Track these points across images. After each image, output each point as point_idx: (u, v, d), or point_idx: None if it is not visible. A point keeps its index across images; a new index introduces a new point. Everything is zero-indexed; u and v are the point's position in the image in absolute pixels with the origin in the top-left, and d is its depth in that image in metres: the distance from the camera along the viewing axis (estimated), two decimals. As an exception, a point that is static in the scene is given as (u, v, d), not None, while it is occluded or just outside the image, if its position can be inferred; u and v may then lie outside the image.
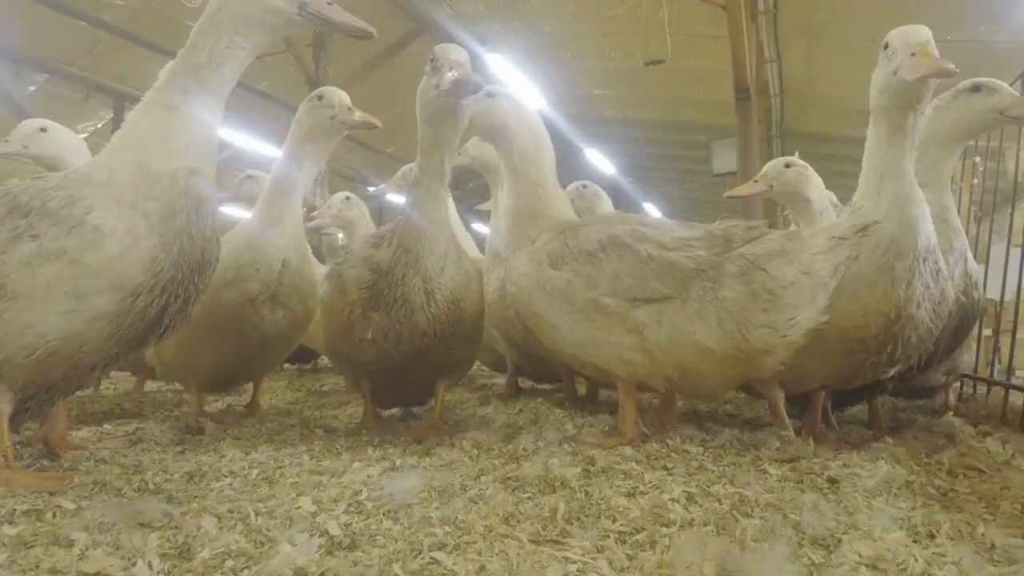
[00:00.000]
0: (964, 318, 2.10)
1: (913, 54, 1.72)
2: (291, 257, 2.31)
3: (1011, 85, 2.59)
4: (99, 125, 13.25)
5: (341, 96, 2.45)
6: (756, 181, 2.63)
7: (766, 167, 2.64)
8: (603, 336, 1.87)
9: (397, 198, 3.62)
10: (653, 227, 1.91)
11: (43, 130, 2.56)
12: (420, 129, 2.02)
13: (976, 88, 2.07)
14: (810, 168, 2.59)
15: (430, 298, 1.98)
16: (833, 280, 1.70)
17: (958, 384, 3.06)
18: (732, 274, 1.74)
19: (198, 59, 1.65)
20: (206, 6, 1.70)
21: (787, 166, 2.58)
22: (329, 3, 1.71)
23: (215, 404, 2.83)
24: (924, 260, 1.79)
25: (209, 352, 2.29)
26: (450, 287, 2.01)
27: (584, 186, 3.64)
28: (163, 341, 1.76)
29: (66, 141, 2.58)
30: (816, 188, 2.57)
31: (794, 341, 1.74)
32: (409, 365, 2.10)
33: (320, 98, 2.42)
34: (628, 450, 1.72)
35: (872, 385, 2.22)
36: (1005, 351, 3.36)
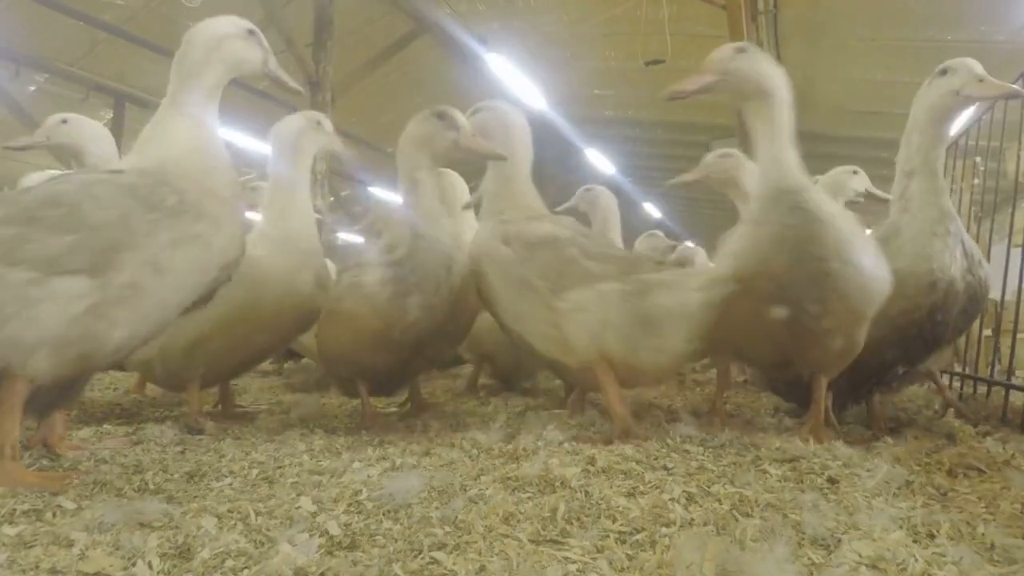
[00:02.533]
0: (971, 297, 2.10)
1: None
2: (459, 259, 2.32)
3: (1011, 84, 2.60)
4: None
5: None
6: (700, 72, 2.33)
7: (714, 54, 2.31)
8: (530, 312, 2.12)
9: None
10: (587, 239, 2.22)
11: (64, 121, 2.60)
12: (417, 155, 2.34)
13: (943, 72, 2.13)
14: (767, 55, 2.29)
15: (449, 272, 2.22)
16: (702, 315, 1.93)
17: (958, 384, 3.06)
18: (630, 294, 1.99)
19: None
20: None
21: (740, 51, 2.27)
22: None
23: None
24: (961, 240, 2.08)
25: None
26: (461, 260, 2.28)
27: (587, 189, 3.77)
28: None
29: (88, 131, 2.63)
30: (781, 80, 2.25)
31: (667, 364, 2.06)
32: (428, 342, 2.29)
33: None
34: (628, 450, 1.72)
35: (875, 380, 2.23)
36: (1005, 351, 3.37)
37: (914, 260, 2.06)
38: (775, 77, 2.19)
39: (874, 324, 2.04)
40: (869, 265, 1.92)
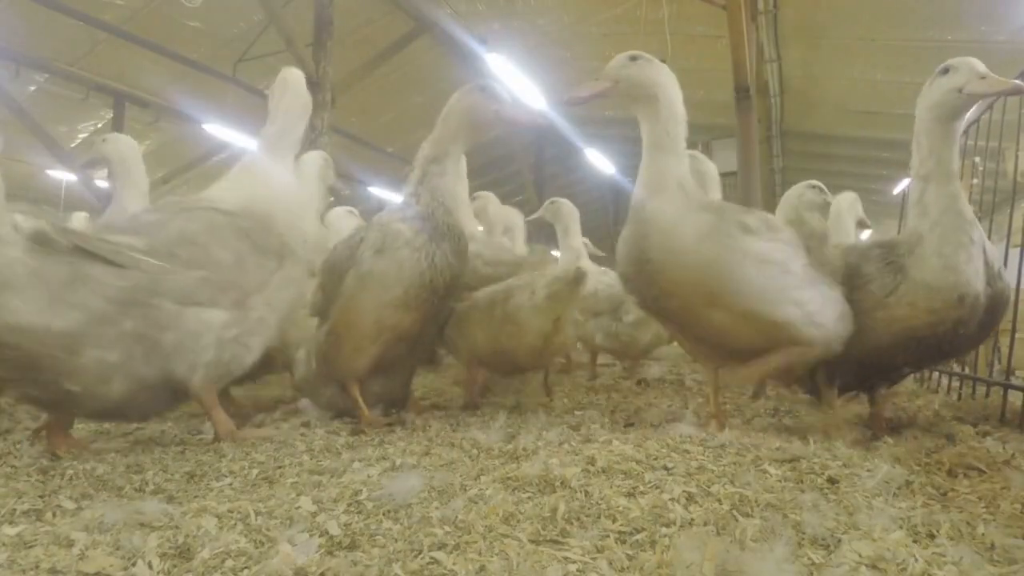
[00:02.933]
0: (990, 308, 2.06)
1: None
2: None
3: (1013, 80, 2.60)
4: (99, 125, 13.25)
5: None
6: (597, 79, 2.39)
7: (610, 63, 2.36)
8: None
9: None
10: (490, 250, 2.73)
11: (104, 140, 3.00)
12: (458, 126, 2.46)
13: (944, 71, 2.12)
14: (659, 63, 2.32)
15: (459, 239, 2.40)
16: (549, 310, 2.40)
17: (958, 383, 3.06)
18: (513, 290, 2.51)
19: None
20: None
21: (632, 59, 2.31)
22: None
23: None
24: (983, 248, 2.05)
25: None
26: (464, 231, 2.48)
27: (552, 202, 4.18)
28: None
29: (124, 147, 2.99)
30: (670, 87, 2.30)
31: (524, 354, 2.51)
32: (433, 315, 2.47)
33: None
34: (628, 450, 1.72)
35: (881, 378, 2.24)
36: (1005, 351, 3.36)
37: (941, 273, 2.00)
38: (665, 85, 2.29)
39: (891, 332, 2.06)
40: (700, 264, 1.99)
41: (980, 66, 2.03)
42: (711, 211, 2.09)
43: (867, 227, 3.69)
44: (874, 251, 2.21)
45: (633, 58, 2.30)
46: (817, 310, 2.00)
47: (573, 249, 4.08)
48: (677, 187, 2.13)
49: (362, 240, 2.37)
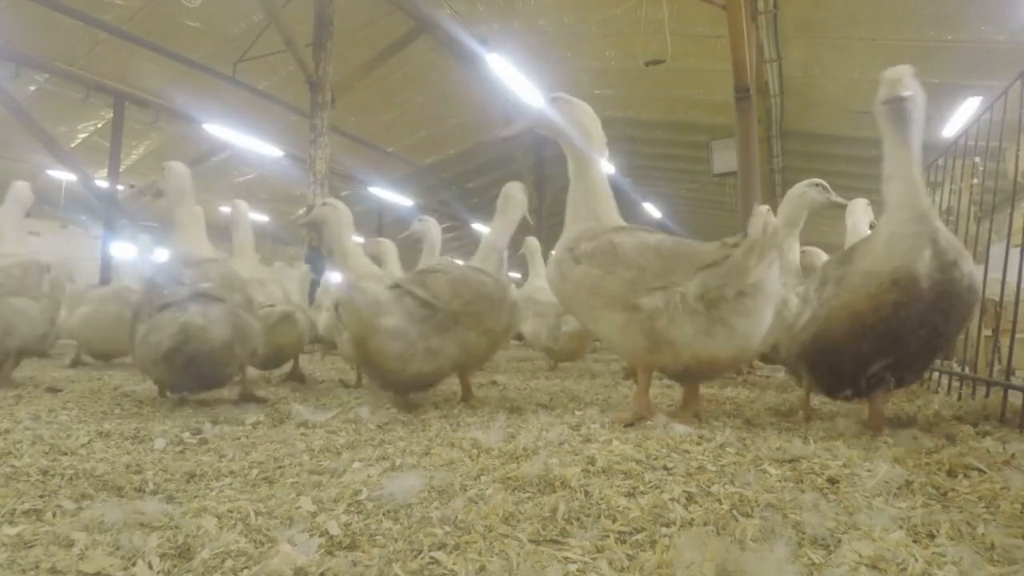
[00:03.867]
0: (945, 295, 2.06)
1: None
2: None
3: (1010, 85, 2.60)
4: (99, 125, 13.25)
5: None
6: (522, 116, 2.78)
7: (536, 104, 2.83)
8: None
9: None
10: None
11: (163, 168, 3.19)
12: None
13: (881, 82, 2.22)
14: (575, 103, 2.62)
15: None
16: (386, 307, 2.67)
17: (958, 383, 3.06)
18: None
19: None
20: None
21: (553, 100, 2.65)
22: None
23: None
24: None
25: None
26: None
27: (420, 220, 4.54)
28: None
29: (181, 174, 3.18)
30: (588, 124, 2.60)
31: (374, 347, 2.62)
32: None
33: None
34: (628, 450, 1.72)
35: (859, 372, 2.25)
36: (1005, 351, 3.36)
37: (879, 259, 2.12)
38: (580, 122, 2.60)
39: (842, 321, 2.18)
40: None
41: (892, 74, 2.15)
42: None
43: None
44: (841, 253, 2.50)
45: (554, 100, 2.64)
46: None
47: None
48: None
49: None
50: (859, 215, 3.48)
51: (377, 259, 4.54)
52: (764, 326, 2.22)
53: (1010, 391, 2.48)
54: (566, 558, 1.07)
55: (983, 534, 1.18)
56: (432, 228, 4.43)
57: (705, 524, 1.20)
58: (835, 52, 10.16)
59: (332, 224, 3.35)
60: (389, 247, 4.78)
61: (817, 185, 3.30)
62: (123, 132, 12.29)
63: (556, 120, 2.60)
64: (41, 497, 1.37)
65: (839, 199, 3.35)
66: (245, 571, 1.02)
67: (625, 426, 2.17)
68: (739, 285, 2.13)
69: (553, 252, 2.66)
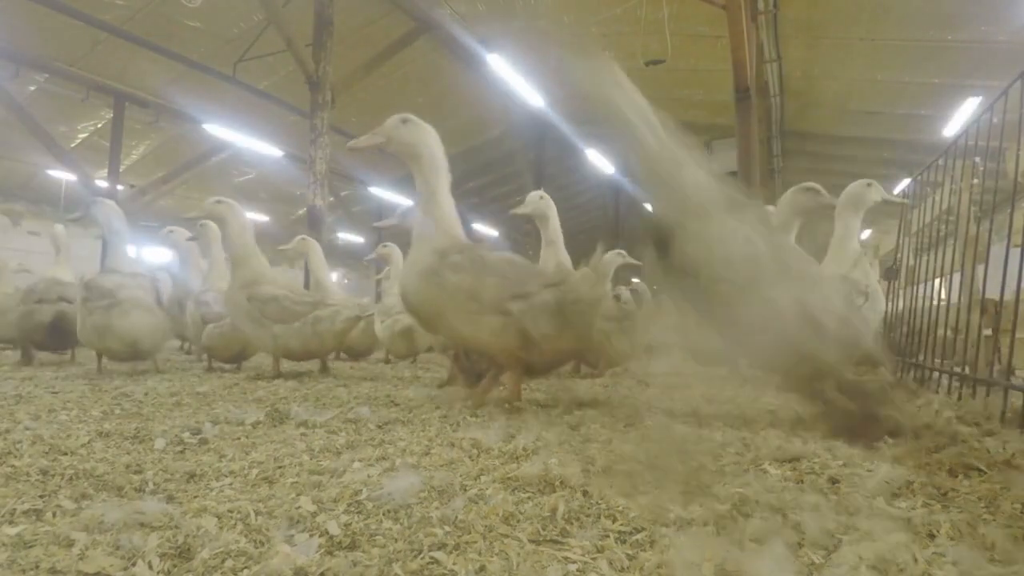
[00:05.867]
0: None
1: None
2: None
3: (1011, 85, 2.60)
4: (99, 125, 13.26)
5: None
6: (375, 133, 2.90)
7: (386, 122, 2.87)
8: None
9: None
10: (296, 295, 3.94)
11: (218, 201, 3.70)
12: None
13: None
14: (425, 126, 2.84)
15: None
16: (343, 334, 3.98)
17: (958, 383, 3.05)
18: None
19: None
20: None
21: (403, 121, 2.84)
22: None
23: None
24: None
25: None
26: None
27: (302, 239, 5.20)
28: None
29: (232, 215, 3.69)
30: (433, 146, 2.83)
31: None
32: None
33: None
34: (628, 449, 1.72)
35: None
36: (1006, 351, 3.36)
37: None
38: (428, 145, 2.83)
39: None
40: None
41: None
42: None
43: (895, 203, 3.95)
44: None
45: (404, 121, 2.84)
46: None
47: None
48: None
49: None
50: (861, 195, 3.60)
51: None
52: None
53: (1010, 391, 2.48)
54: (566, 558, 1.07)
55: (983, 534, 1.18)
56: (395, 253, 5.17)
57: (705, 524, 1.20)
58: (835, 52, 10.17)
59: (395, 264, 3.96)
60: (396, 254, 5.25)
61: (808, 190, 3.32)
62: (123, 132, 12.29)
63: (409, 139, 2.82)
64: (41, 497, 1.37)
65: (831, 200, 3.37)
66: (245, 571, 1.02)
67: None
68: (578, 299, 2.66)
69: (407, 264, 2.88)
